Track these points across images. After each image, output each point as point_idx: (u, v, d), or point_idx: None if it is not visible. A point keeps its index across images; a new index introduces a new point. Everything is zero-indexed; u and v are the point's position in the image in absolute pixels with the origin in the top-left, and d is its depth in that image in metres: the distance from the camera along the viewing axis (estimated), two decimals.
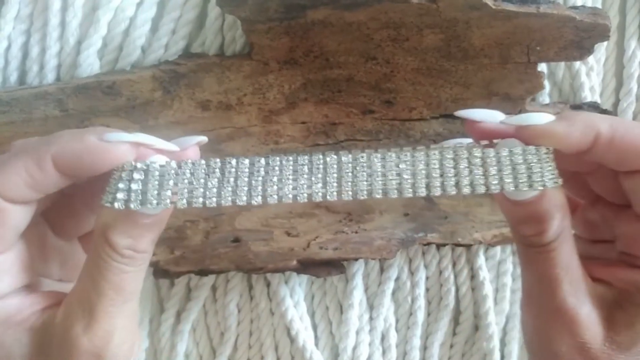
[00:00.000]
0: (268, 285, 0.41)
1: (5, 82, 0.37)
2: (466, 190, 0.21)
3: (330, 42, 0.34)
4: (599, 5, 0.38)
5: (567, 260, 0.23)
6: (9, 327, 0.23)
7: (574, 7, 0.35)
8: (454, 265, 0.41)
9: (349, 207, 0.37)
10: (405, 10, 0.33)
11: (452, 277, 0.41)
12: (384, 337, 0.42)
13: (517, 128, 0.22)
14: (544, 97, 0.39)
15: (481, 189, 0.21)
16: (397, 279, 0.41)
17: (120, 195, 0.22)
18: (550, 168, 0.22)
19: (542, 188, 0.21)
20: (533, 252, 0.23)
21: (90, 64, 0.37)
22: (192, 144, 0.24)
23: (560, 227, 0.22)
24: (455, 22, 0.33)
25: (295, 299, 0.41)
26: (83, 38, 0.37)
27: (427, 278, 0.42)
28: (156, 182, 0.22)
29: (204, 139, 0.24)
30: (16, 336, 0.23)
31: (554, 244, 0.22)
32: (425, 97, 0.36)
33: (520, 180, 0.21)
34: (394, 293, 0.42)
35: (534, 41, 0.34)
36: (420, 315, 0.41)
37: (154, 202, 0.22)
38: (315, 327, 0.42)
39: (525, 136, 0.22)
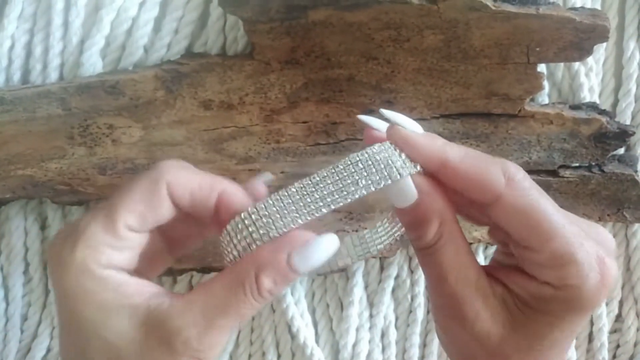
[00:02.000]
0: None
1: (8, 81, 0.37)
2: (344, 201, 0.23)
3: (331, 43, 0.35)
4: (598, 6, 0.38)
5: (451, 261, 0.24)
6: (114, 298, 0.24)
7: (574, 9, 0.35)
8: None
9: (349, 205, 0.37)
10: (406, 11, 0.34)
11: None
12: (384, 334, 0.42)
13: (388, 126, 0.25)
14: (543, 97, 0.39)
15: (351, 197, 0.23)
16: (397, 277, 0.42)
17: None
18: (406, 159, 0.24)
19: (398, 177, 0.23)
20: (421, 254, 0.25)
21: (93, 64, 0.37)
22: (260, 182, 0.26)
23: (438, 231, 0.24)
24: (455, 23, 0.34)
25: (296, 297, 0.42)
26: (86, 37, 0.37)
27: None
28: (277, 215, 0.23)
29: (269, 177, 0.27)
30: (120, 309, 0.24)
31: (436, 246, 0.24)
32: (426, 97, 0.36)
33: (377, 177, 0.23)
34: (393, 291, 0.42)
35: (533, 42, 0.34)
36: (420, 313, 0.42)
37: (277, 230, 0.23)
38: (315, 324, 0.42)
39: (392, 135, 0.25)
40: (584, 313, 0.24)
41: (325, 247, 0.24)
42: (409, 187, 0.24)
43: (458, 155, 0.24)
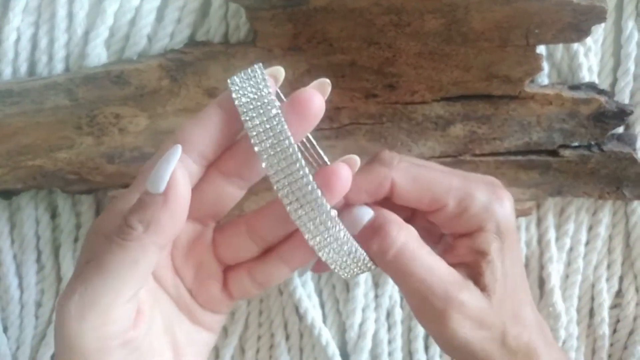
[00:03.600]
0: None
1: (15, 73, 0.37)
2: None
3: (333, 28, 0.35)
4: None
5: (425, 260, 0.26)
6: None
7: None
8: None
9: None
10: None
11: None
12: (389, 314, 0.42)
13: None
14: (543, 78, 0.39)
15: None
16: None
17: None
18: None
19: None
20: (393, 266, 0.26)
21: (98, 54, 0.37)
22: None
23: (400, 234, 0.26)
24: (455, 6, 0.34)
25: (303, 278, 0.41)
26: (90, 28, 0.37)
27: None
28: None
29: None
30: None
31: (406, 249, 0.26)
32: (427, 80, 0.36)
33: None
34: None
35: (532, 24, 0.34)
36: None
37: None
38: (322, 305, 0.42)
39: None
40: (510, 236, 0.28)
41: (166, 158, 0.23)
42: (365, 209, 0.27)
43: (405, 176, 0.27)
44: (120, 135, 0.37)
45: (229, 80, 0.24)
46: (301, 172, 0.24)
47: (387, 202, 0.28)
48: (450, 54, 0.35)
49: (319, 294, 0.42)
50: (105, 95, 0.36)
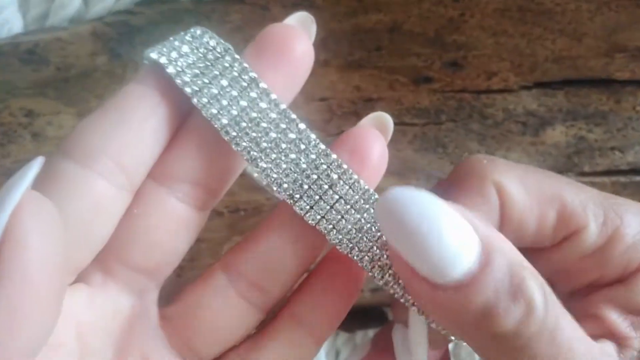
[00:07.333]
0: None
1: None
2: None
3: None
4: None
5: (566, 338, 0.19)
6: None
7: None
8: None
9: None
10: None
11: None
12: None
13: None
14: None
15: None
16: None
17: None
18: None
19: None
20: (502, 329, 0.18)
21: (8, 20, 0.30)
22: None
23: (545, 304, 0.18)
24: None
25: (315, 358, 0.32)
26: None
27: None
28: None
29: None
30: None
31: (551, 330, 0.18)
32: (513, 55, 0.28)
33: None
34: (453, 348, 0.33)
35: None
36: None
37: None
38: None
39: None
40: None
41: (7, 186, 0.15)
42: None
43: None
44: (35, 142, 0.29)
45: (150, 53, 0.18)
46: (318, 148, 0.18)
47: None
48: (552, 12, 0.27)
49: None
50: (13, 81, 0.29)
